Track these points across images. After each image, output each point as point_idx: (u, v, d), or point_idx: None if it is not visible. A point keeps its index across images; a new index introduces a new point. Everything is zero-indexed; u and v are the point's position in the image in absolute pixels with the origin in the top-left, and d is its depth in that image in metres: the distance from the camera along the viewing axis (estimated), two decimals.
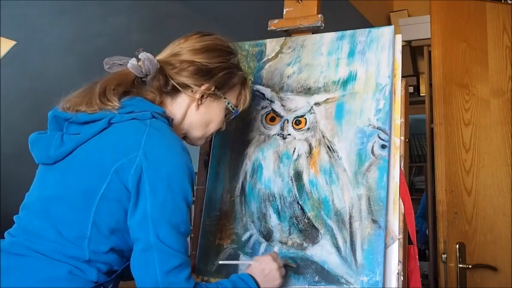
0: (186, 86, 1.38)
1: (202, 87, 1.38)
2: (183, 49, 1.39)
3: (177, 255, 1.21)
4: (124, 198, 1.22)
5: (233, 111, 1.46)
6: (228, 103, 1.44)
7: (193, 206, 1.49)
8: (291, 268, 1.52)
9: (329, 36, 1.72)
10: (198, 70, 1.37)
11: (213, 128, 1.45)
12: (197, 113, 1.41)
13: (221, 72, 1.40)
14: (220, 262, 1.59)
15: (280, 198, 1.61)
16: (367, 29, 1.68)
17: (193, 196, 1.29)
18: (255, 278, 1.36)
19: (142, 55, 1.36)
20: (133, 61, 1.36)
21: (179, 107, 1.40)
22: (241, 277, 1.35)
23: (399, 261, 1.47)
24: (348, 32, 1.70)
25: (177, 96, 1.40)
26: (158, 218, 1.20)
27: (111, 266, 1.27)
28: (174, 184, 1.22)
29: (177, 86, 1.37)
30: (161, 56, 1.40)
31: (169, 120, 1.36)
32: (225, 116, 1.46)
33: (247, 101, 1.49)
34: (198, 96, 1.39)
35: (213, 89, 1.40)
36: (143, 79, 1.38)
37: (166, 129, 1.30)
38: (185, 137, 1.46)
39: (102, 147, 1.26)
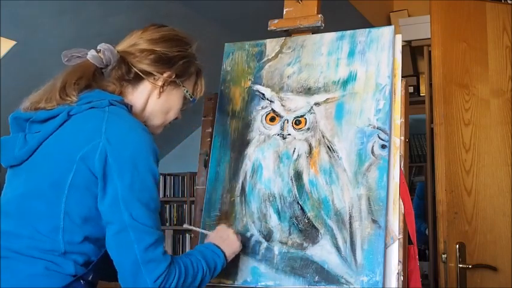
0: (148, 74, 1.40)
1: (165, 75, 1.41)
2: (141, 39, 1.41)
3: (152, 232, 1.24)
4: (92, 184, 1.24)
5: (191, 99, 1.49)
6: (187, 91, 1.47)
7: (193, 206, 1.50)
8: (291, 268, 1.52)
9: (329, 36, 1.72)
10: (159, 58, 1.40)
11: (172, 115, 1.48)
12: (158, 101, 1.43)
13: (181, 61, 1.43)
14: (184, 226, 1.68)
15: (280, 198, 1.61)
16: (367, 29, 1.68)
17: (159, 174, 1.32)
18: (216, 244, 1.45)
19: (102, 45, 1.39)
20: (93, 52, 1.38)
21: (140, 95, 1.42)
22: (205, 246, 1.45)
23: (399, 261, 1.47)
24: (348, 32, 1.70)
25: (138, 85, 1.41)
26: (129, 199, 1.22)
27: (88, 256, 1.28)
28: (139, 163, 1.25)
29: (140, 73, 1.39)
30: (120, 46, 1.42)
31: (128, 107, 1.38)
32: (183, 105, 1.49)
33: (203, 91, 1.52)
34: (160, 83, 1.41)
35: (173, 77, 1.43)
36: (103, 70, 1.41)
37: (125, 114, 1.33)
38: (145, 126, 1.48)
39: (64, 139, 1.28)
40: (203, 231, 1.61)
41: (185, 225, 1.69)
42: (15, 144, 1.32)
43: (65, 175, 1.24)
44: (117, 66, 1.40)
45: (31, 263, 1.23)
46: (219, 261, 1.42)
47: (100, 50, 1.38)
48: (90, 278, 1.29)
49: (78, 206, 1.25)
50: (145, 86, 1.41)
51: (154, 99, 1.43)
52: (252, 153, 1.68)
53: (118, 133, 1.26)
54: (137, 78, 1.41)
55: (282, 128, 1.67)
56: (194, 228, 1.65)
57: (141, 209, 1.23)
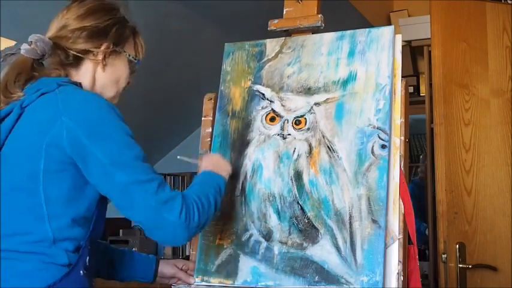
0: (86, 52, 1.40)
1: (102, 47, 1.40)
2: (68, 19, 1.40)
3: (152, 178, 1.28)
4: (67, 165, 1.26)
5: (136, 61, 1.49)
6: (129, 55, 1.47)
7: None
8: (291, 268, 1.52)
9: (329, 36, 1.71)
10: (92, 33, 1.39)
11: (123, 83, 1.48)
12: (105, 74, 1.43)
13: (113, 28, 1.42)
14: (179, 157, 1.68)
15: (280, 198, 1.61)
16: (367, 29, 1.68)
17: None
18: (211, 169, 1.49)
19: (33, 37, 1.38)
20: (25, 46, 1.38)
21: (85, 74, 1.41)
22: (201, 174, 1.48)
23: (399, 261, 1.47)
24: (348, 32, 1.69)
25: (80, 66, 1.41)
26: (115, 161, 1.25)
27: (77, 241, 1.29)
28: (107, 127, 1.27)
29: (78, 54, 1.39)
30: (50, 33, 1.42)
31: (77, 84, 1.38)
32: (130, 69, 1.49)
33: (144, 49, 1.52)
34: (100, 57, 1.41)
35: (112, 47, 1.42)
36: (41, 60, 1.41)
37: (76, 89, 1.34)
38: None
39: (25, 131, 1.30)
40: (194, 161, 1.66)
41: (179, 157, 1.69)
42: None
43: (37, 164, 1.25)
44: (53, 54, 1.40)
45: (25, 259, 1.24)
46: (221, 181, 1.47)
47: (32, 41, 1.37)
48: (87, 263, 1.30)
49: (57, 190, 1.26)
50: (87, 64, 1.41)
51: (100, 74, 1.42)
52: (252, 153, 1.68)
53: (76, 107, 1.28)
54: (77, 59, 1.40)
55: (282, 128, 1.67)
56: (186, 159, 1.68)
57: (130, 165, 1.26)
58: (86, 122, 1.26)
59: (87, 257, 1.31)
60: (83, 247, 1.30)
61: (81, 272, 1.28)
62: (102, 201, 1.34)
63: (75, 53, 1.39)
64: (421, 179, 4.47)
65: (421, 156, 4.73)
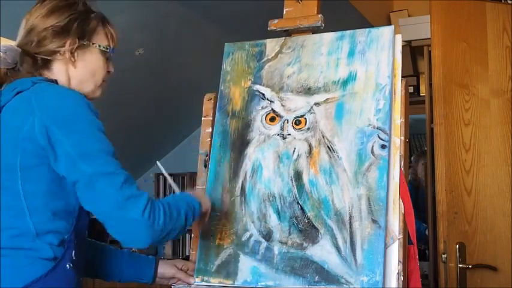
0: (53, 53, 1.39)
1: (67, 45, 1.39)
2: (33, 22, 1.40)
3: (118, 173, 1.27)
4: (44, 159, 1.27)
5: (108, 50, 1.46)
6: (99, 46, 1.44)
7: None
8: (290, 268, 1.52)
9: (329, 36, 1.72)
10: (55, 32, 1.38)
11: (100, 75, 1.46)
12: (78, 70, 1.42)
13: (74, 24, 1.40)
14: (158, 162, 1.67)
15: (280, 198, 1.61)
16: (367, 29, 1.68)
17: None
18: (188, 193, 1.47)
19: (2, 47, 1.40)
20: None
21: (58, 74, 1.41)
22: (178, 194, 1.46)
23: (399, 261, 1.47)
24: (348, 32, 1.70)
25: (51, 67, 1.41)
26: (82, 153, 1.25)
27: (61, 235, 1.30)
28: (78, 120, 1.28)
29: (45, 57, 1.39)
30: (19, 39, 1.43)
31: (53, 81, 1.39)
32: (106, 59, 1.47)
33: (115, 36, 1.49)
34: (67, 55, 1.40)
35: (77, 42, 1.40)
36: (16, 68, 1.42)
37: (51, 85, 1.35)
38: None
39: (4, 128, 1.31)
40: (168, 176, 1.63)
41: (158, 162, 1.67)
42: None
43: (13, 158, 1.27)
44: (24, 61, 1.41)
45: (9, 254, 1.25)
46: (196, 204, 1.43)
47: (1, 52, 1.39)
48: (73, 256, 1.30)
49: (35, 183, 1.28)
50: (57, 64, 1.41)
51: (73, 71, 1.42)
52: (252, 153, 1.68)
53: (48, 102, 1.29)
54: (46, 62, 1.40)
55: (282, 128, 1.67)
56: (162, 169, 1.65)
57: (97, 157, 1.26)
58: (57, 114, 1.27)
59: (73, 251, 1.31)
60: (67, 240, 1.30)
61: (68, 265, 1.29)
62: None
63: (42, 56, 1.39)
64: (415, 178, 4.44)
65: (412, 158, 4.64)
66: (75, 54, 1.41)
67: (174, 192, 1.54)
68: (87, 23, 1.43)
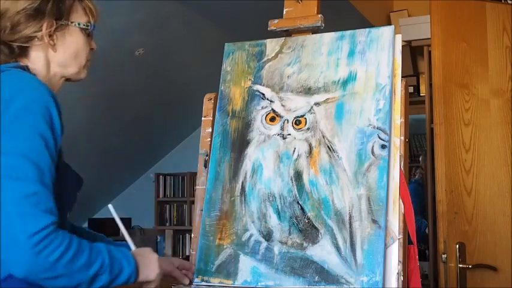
0: (29, 39, 1.31)
1: (44, 28, 1.31)
2: (3, 6, 1.30)
3: (30, 183, 1.13)
4: None
5: (89, 28, 1.38)
6: (79, 24, 1.36)
7: (193, 206, 1.49)
8: (290, 268, 1.52)
9: (329, 36, 1.72)
10: (29, 15, 1.29)
11: (83, 55, 1.38)
12: (59, 53, 1.34)
13: (48, 4, 1.31)
14: (109, 205, 1.50)
15: (280, 198, 1.61)
16: (367, 29, 1.68)
17: (62, 130, 1.23)
18: (132, 254, 1.28)
19: None
20: None
21: (38, 59, 1.33)
22: (118, 247, 1.28)
23: (399, 261, 1.47)
24: (348, 32, 1.70)
25: (29, 53, 1.32)
26: (5, 146, 1.14)
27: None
28: (23, 118, 1.17)
29: (22, 44, 1.30)
30: None
31: (25, 68, 1.30)
32: (87, 36, 1.39)
33: (94, 10, 1.40)
34: (46, 39, 1.31)
35: (54, 23, 1.32)
36: None
37: (18, 74, 1.26)
38: (67, 79, 1.40)
39: None
40: (118, 220, 1.46)
41: (110, 205, 1.49)
42: None
43: None
44: (0, 50, 1.32)
45: None
46: (127, 267, 1.24)
47: None
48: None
49: None
50: (36, 50, 1.32)
51: (53, 55, 1.33)
52: (252, 153, 1.69)
53: (8, 92, 1.20)
54: (24, 50, 1.31)
55: (282, 128, 1.67)
56: (114, 212, 1.47)
57: (17, 157, 1.13)
58: (7, 107, 1.17)
59: None
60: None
61: None
62: (61, 177, 1.24)
63: (18, 44, 1.30)
64: (422, 177, 4.48)
65: (420, 158, 4.74)
66: (54, 37, 1.32)
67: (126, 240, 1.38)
68: (63, 1, 1.34)
